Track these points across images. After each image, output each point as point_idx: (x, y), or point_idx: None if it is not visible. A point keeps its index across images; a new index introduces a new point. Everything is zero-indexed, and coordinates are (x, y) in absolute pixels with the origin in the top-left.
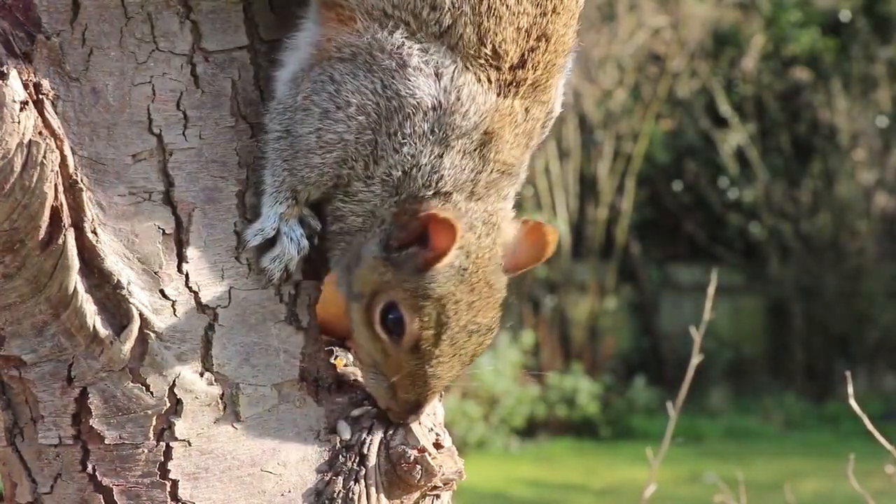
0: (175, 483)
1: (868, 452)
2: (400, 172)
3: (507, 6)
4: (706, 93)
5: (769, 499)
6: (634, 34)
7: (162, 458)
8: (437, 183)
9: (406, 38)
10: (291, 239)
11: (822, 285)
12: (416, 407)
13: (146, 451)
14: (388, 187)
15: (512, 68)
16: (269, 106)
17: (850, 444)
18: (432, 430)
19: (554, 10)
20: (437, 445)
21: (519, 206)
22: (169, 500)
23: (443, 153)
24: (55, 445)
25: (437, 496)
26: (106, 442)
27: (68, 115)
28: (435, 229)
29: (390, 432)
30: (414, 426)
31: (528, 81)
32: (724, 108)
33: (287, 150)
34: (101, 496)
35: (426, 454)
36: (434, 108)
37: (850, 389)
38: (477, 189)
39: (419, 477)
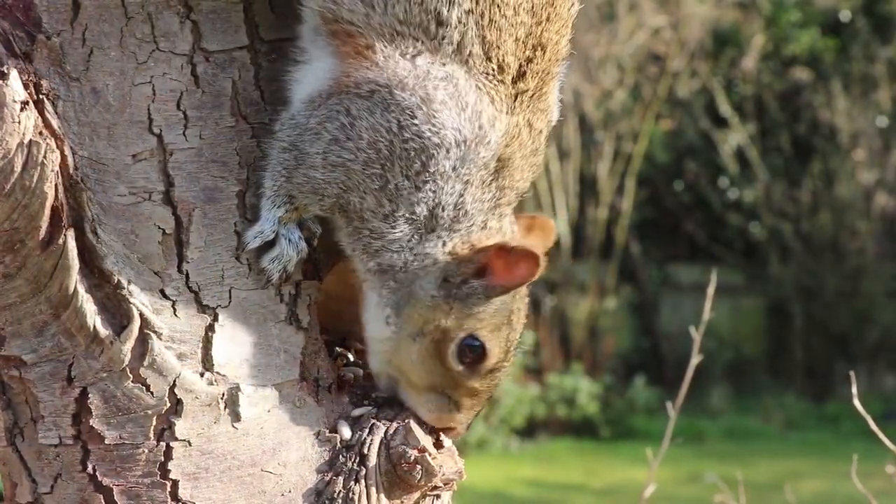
0: (175, 483)
1: (868, 452)
2: (426, 211)
3: (506, 17)
4: (706, 93)
5: (769, 499)
6: (634, 34)
7: (162, 458)
8: (471, 218)
9: (429, 63)
10: (290, 241)
11: (822, 285)
12: (473, 416)
13: (146, 451)
14: (417, 225)
15: (514, 81)
16: (283, 116)
17: (850, 444)
18: (432, 430)
19: (548, 19)
20: (438, 445)
21: (519, 206)
22: (169, 500)
23: (464, 190)
24: (55, 445)
25: (438, 496)
26: (106, 442)
27: (69, 115)
28: (503, 261)
29: (390, 432)
30: (415, 426)
31: (529, 93)
32: (724, 108)
33: (290, 162)
34: (101, 496)
35: (426, 454)
36: (458, 144)
37: (854, 389)
38: (502, 210)
39: (419, 477)
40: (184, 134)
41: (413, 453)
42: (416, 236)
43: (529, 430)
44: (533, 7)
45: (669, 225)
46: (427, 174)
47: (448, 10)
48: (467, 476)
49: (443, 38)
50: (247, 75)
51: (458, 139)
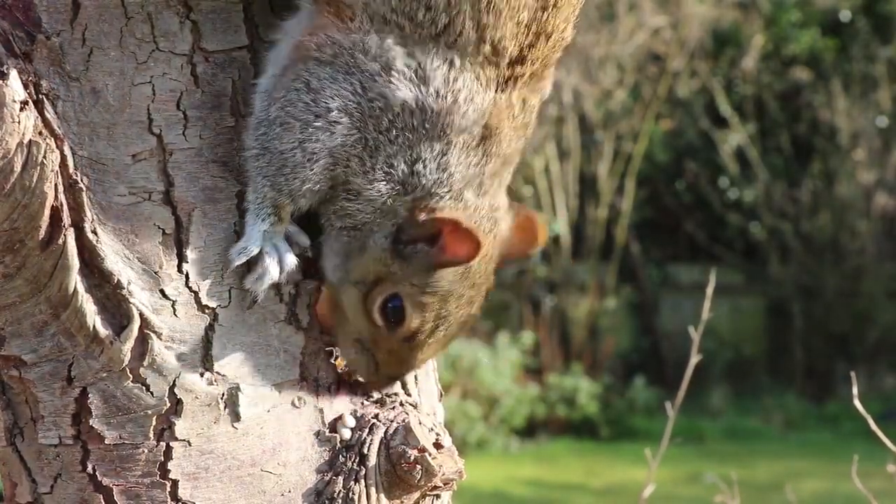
0: (175, 483)
1: (868, 452)
2: (404, 166)
3: (507, 0)
4: (706, 93)
5: (769, 499)
6: (634, 34)
7: (162, 458)
8: (448, 180)
9: (395, 42)
10: (273, 258)
11: (822, 285)
12: (395, 379)
13: (146, 451)
14: (395, 183)
15: (511, 64)
16: (248, 122)
17: (850, 444)
18: (432, 430)
19: (555, 5)
20: (438, 445)
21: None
22: (169, 500)
23: (446, 150)
24: (55, 445)
25: (438, 496)
26: (106, 442)
27: (68, 115)
28: (454, 236)
29: (390, 432)
30: (415, 426)
31: (527, 75)
32: (724, 108)
33: (268, 167)
34: (100, 496)
35: (426, 454)
36: (423, 110)
37: (854, 390)
38: (483, 182)
39: (419, 477)
40: (183, 134)
41: (413, 453)
42: (389, 199)
43: (529, 430)
44: None
45: (669, 225)
46: (396, 129)
47: None
48: (467, 476)
49: (427, 23)
50: (247, 75)
51: (421, 106)
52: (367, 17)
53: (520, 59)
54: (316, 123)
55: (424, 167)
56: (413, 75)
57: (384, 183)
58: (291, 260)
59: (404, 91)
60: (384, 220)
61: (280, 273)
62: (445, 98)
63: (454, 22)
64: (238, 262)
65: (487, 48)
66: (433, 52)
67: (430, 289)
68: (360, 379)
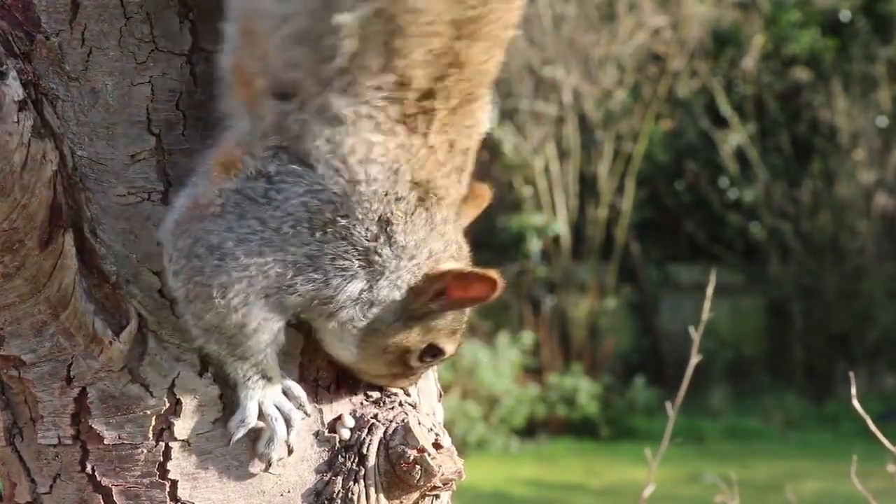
0: (174, 483)
1: (868, 452)
2: (355, 262)
3: (419, 24)
4: (706, 93)
5: (769, 499)
6: (634, 34)
7: (161, 458)
8: (413, 255)
9: (266, 148)
10: (277, 419)
11: (822, 285)
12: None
13: (145, 451)
14: (359, 278)
15: (420, 99)
16: (177, 306)
17: (850, 444)
18: (432, 430)
19: (471, 36)
20: (437, 445)
21: (518, 205)
22: (168, 500)
23: (389, 229)
24: (54, 445)
25: (437, 496)
26: (105, 442)
27: (67, 115)
28: (462, 283)
29: (389, 432)
30: (414, 426)
31: (443, 111)
32: (724, 108)
33: (219, 346)
34: (100, 496)
35: (425, 454)
36: (330, 199)
37: (854, 390)
38: (439, 230)
39: (418, 477)
40: (183, 134)
41: (412, 453)
42: (365, 292)
43: (529, 430)
44: (455, 19)
45: (669, 225)
46: (318, 231)
47: (346, 14)
48: (467, 476)
49: (329, 55)
50: None
51: (322, 197)
52: (246, 148)
53: (430, 93)
54: (233, 277)
55: (377, 254)
56: (292, 163)
57: (349, 284)
58: (297, 416)
59: (298, 192)
60: (382, 310)
61: (289, 431)
62: (340, 171)
63: (361, 50)
64: (239, 436)
65: (392, 78)
66: (311, 119)
67: (455, 322)
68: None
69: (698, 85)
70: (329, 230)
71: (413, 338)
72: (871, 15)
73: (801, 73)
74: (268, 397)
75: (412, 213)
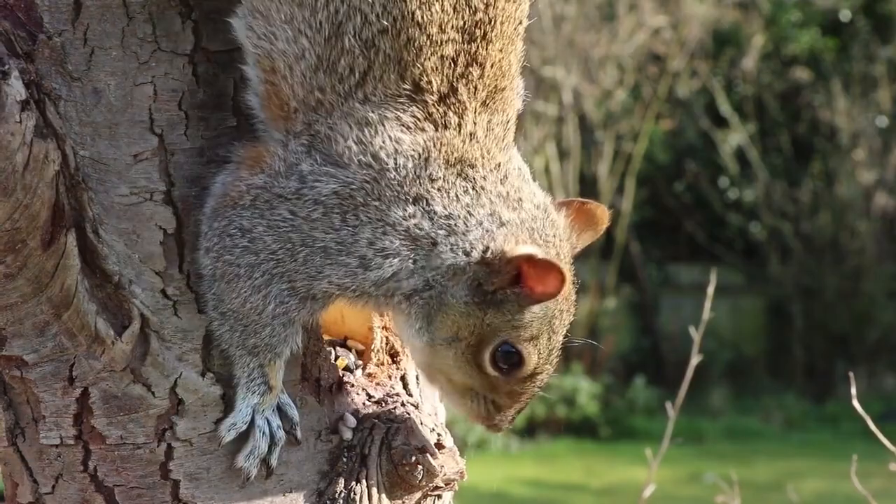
0: (176, 483)
1: (868, 452)
2: (396, 241)
3: (429, 35)
4: (706, 93)
5: (769, 499)
6: (634, 34)
7: (163, 458)
8: (458, 221)
9: (299, 145)
10: (264, 433)
11: (822, 285)
12: (519, 412)
13: (148, 451)
14: (405, 252)
15: (442, 99)
16: (201, 284)
17: (850, 444)
18: (434, 430)
19: (485, 38)
20: (439, 446)
21: None
22: (170, 499)
23: (425, 205)
24: (56, 445)
25: (439, 496)
26: (107, 442)
27: (70, 115)
28: (535, 271)
29: (392, 432)
30: (416, 426)
31: (473, 104)
32: (724, 108)
33: (232, 333)
34: (102, 496)
35: (427, 454)
36: (360, 188)
37: (854, 390)
38: (508, 194)
39: (420, 477)
40: (185, 134)
41: (414, 453)
42: (417, 259)
43: (529, 430)
44: (464, 25)
45: (669, 225)
46: (351, 215)
47: (351, 38)
48: (467, 476)
49: (345, 73)
50: None
51: (353, 187)
52: (300, 117)
53: (453, 92)
54: (260, 262)
55: (419, 229)
56: (325, 165)
57: (393, 259)
58: (281, 435)
59: (331, 186)
60: (446, 276)
61: (270, 451)
62: (369, 165)
63: (373, 66)
64: (228, 438)
65: (408, 86)
66: (340, 124)
67: (535, 321)
68: (480, 423)
69: (698, 85)
70: (362, 214)
71: (486, 326)
72: (871, 15)
73: (801, 73)
74: (262, 407)
75: (450, 188)
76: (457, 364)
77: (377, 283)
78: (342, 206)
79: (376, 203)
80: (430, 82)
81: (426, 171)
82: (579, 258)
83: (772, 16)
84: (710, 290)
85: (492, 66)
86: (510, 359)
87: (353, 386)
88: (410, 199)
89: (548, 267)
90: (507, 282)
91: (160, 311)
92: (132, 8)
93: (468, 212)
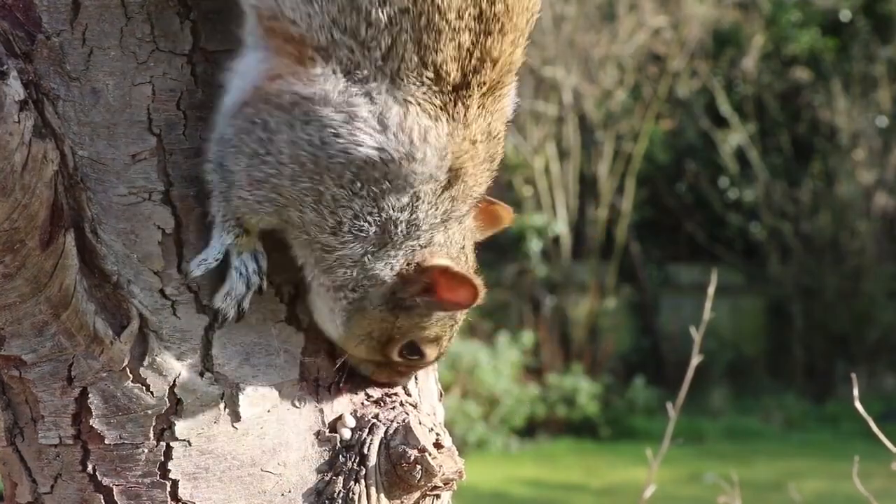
0: (175, 483)
1: (868, 452)
2: (374, 227)
3: (447, 21)
4: (706, 93)
5: (769, 499)
6: (634, 34)
7: (162, 458)
8: (419, 236)
9: (358, 91)
10: (241, 273)
11: (822, 285)
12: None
13: (146, 450)
14: (367, 243)
15: (455, 89)
16: (210, 135)
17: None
18: (432, 430)
19: (501, 30)
20: (438, 445)
21: (518, 205)
22: (169, 499)
23: (415, 203)
24: (55, 445)
25: (438, 496)
26: (106, 442)
27: (68, 115)
28: (449, 283)
29: (390, 432)
30: (415, 426)
31: (476, 99)
32: (724, 108)
33: (222, 183)
34: (101, 496)
35: (426, 454)
36: (385, 162)
37: (855, 391)
38: (450, 223)
39: (419, 477)
40: (184, 134)
41: (413, 453)
42: (367, 255)
43: (529, 430)
44: (482, 14)
45: (669, 225)
46: (360, 182)
47: (378, 10)
48: (467, 476)
49: (371, 43)
50: None
51: (384, 157)
52: (318, 43)
53: (465, 85)
54: (266, 158)
55: (395, 225)
56: (376, 123)
57: (356, 244)
58: (256, 280)
59: (368, 143)
60: (372, 284)
61: (247, 290)
62: (403, 143)
63: (396, 44)
64: (196, 273)
65: (430, 73)
66: (384, 89)
67: (440, 322)
68: (377, 380)
69: (698, 85)
70: (367, 188)
71: (396, 328)
72: (871, 15)
73: (801, 73)
74: (239, 250)
75: (438, 196)
76: (366, 351)
77: (331, 251)
78: (362, 170)
79: (386, 185)
80: (448, 72)
81: (436, 172)
82: (579, 258)
83: (772, 16)
84: (711, 290)
85: (501, 63)
86: (413, 354)
87: (352, 385)
88: (410, 195)
89: (462, 280)
90: (419, 291)
91: (159, 311)
92: (130, 8)
93: (425, 231)
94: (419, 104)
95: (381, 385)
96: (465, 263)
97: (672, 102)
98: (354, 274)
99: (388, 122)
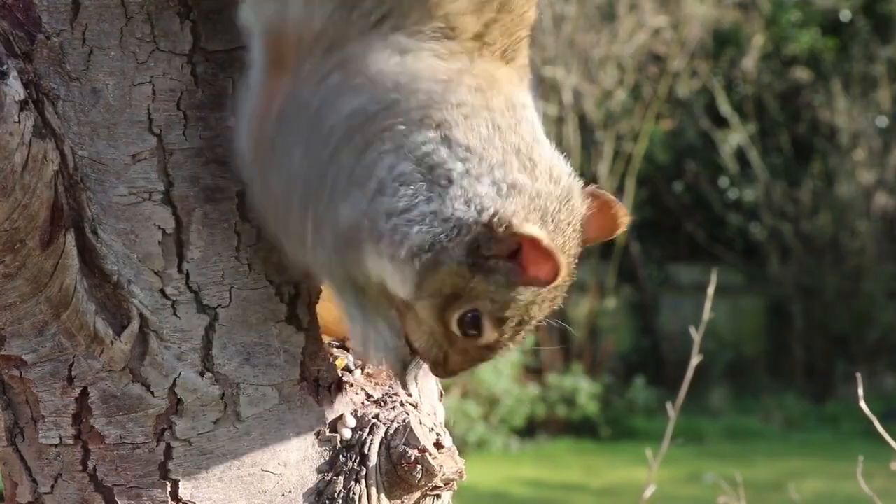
0: (175, 483)
1: (868, 452)
2: (410, 164)
3: None
4: (706, 93)
5: (769, 499)
6: (634, 34)
7: (162, 458)
8: (474, 159)
9: (328, 61)
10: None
11: (822, 285)
12: (459, 372)
13: (147, 450)
14: (417, 181)
15: (476, 37)
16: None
17: (850, 444)
18: (433, 430)
19: None
20: (438, 445)
21: None
22: (169, 499)
23: (447, 132)
24: (55, 445)
25: (438, 496)
26: (106, 442)
27: (68, 115)
28: (534, 254)
29: (391, 432)
30: (415, 426)
31: (500, 45)
32: (724, 108)
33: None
34: (101, 496)
35: (427, 454)
36: (385, 107)
37: (860, 390)
38: (522, 156)
39: (420, 477)
40: (184, 134)
41: (413, 453)
42: (431, 198)
43: (529, 430)
44: None
45: (669, 225)
46: (379, 136)
47: None
48: (467, 476)
49: (375, 6)
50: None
51: (378, 103)
52: (300, 57)
53: (486, 32)
54: (293, 176)
55: (436, 153)
56: (355, 79)
57: (406, 186)
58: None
59: (351, 98)
60: (448, 238)
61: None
62: (402, 85)
63: (401, 3)
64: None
65: (440, 24)
66: (375, 45)
67: (512, 304)
68: (425, 361)
69: (698, 85)
70: (387, 137)
71: (465, 287)
72: (871, 15)
73: (801, 73)
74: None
75: (474, 116)
76: (426, 315)
77: (388, 214)
78: (365, 125)
79: (402, 128)
80: (461, 21)
81: (456, 94)
82: (579, 258)
83: (772, 16)
84: (711, 290)
85: (520, 16)
86: (475, 327)
87: (352, 386)
88: (434, 124)
89: (548, 255)
90: (504, 253)
91: (159, 311)
92: (131, 8)
93: (483, 149)
94: (431, 49)
95: (403, 385)
96: (567, 228)
97: (672, 102)
98: (424, 232)
99: (377, 74)
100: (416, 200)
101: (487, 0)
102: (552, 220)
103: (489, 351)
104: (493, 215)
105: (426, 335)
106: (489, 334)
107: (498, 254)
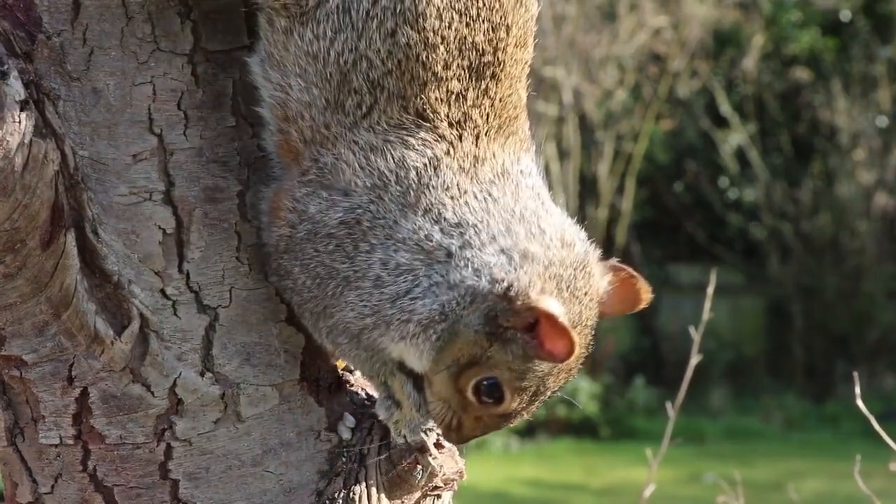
0: (176, 483)
1: (868, 452)
2: (404, 254)
3: (434, 73)
4: (706, 93)
5: (769, 499)
6: (635, 34)
7: (163, 458)
8: (470, 230)
9: (309, 185)
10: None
11: (822, 285)
12: (472, 438)
13: (147, 450)
14: (420, 259)
15: (453, 124)
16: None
17: (850, 444)
18: (433, 429)
19: (493, 77)
20: (438, 445)
21: None
22: (169, 499)
23: (435, 214)
24: (56, 445)
25: (438, 496)
26: (107, 442)
27: (69, 115)
28: (551, 330)
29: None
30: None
31: (486, 127)
32: (724, 108)
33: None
34: (101, 496)
35: (427, 454)
36: (366, 210)
37: (858, 390)
38: (529, 224)
39: (420, 477)
40: (184, 134)
41: (413, 453)
42: (432, 275)
43: (529, 430)
44: (471, 65)
45: (669, 225)
46: (363, 239)
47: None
48: (467, 476)
49: (353, 108)
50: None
51: (357, 214)
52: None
53: (466, 118)
54: (304, 299)
55: (428, 237)
56: (332, 196)
57: (408, 275)
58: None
59: (333, 214)
60: (461, 306)
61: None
62: (374, 185)
63: (379, 101)
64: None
65: (411, 115)
66: (345, 152)
67: (529, 374)
68: (439, 430)
69: (698, 85)
70: (371, 237)
71: (483, 355)
72: (871, 15)
73: (801, 73)
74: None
75: (462, 195)
76: (441, 378)
77: (392, 300)
78: (351, 233)
79: (382, 222)
80: (435, 111)
81: (436, 178)
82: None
83: (772, 16)
84: (710, 290)
85: (502, 100)
86: (491, 394)
87: (352, 385)
88: (419, 211)
89: (563, 332)
90: (522, 325)
91: (159, 311)
92: (131, 8)
93: (479, 220)
94: (402, 141)
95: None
96: (584, 297)
97: (672, 102)
98: (431, 303)
99: (350, 182)
100: (418, 281)
101: (463, 90)
102: (567, 289)
103: (503, 419)
104: (510, 287)
105: (441, 402)
106: (509, 404)
107: (515, 325)
